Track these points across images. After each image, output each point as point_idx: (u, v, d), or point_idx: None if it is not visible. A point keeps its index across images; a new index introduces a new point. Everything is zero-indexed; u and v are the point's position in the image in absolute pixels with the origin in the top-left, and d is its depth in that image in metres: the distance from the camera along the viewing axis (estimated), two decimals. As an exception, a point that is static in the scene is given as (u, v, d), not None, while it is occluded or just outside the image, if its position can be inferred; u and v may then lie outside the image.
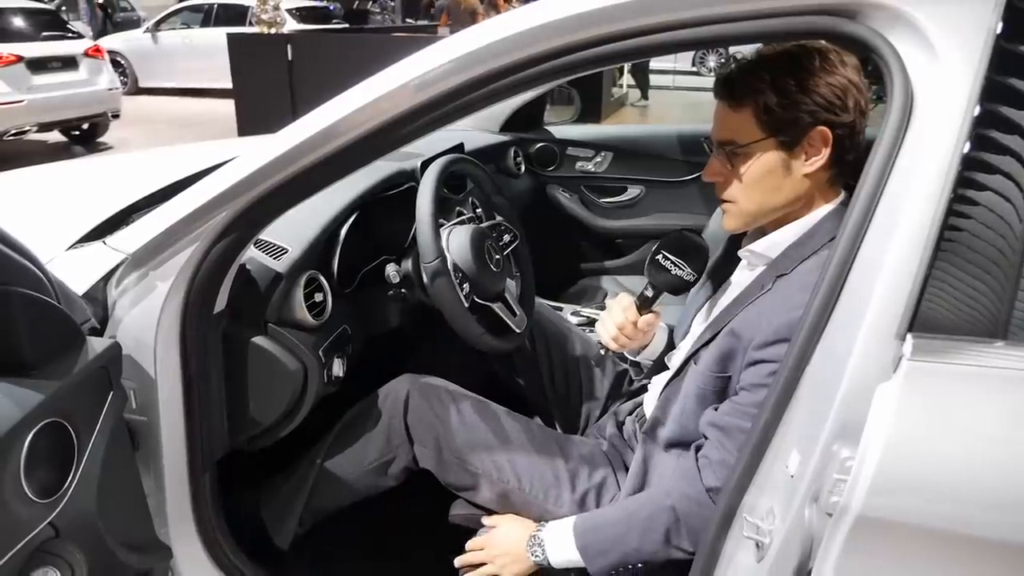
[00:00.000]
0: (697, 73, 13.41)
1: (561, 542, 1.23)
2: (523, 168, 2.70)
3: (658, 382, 1.35)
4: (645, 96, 10.89)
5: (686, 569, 1.08)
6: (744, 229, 1.23)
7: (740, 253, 1.24)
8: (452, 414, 1.41)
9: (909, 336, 0.77)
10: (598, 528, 1.21)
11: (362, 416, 1.48)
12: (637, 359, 1.51)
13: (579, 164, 2.81)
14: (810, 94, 1.06)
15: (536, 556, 1.25)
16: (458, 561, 1.35)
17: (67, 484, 0.90)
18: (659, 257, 1.27)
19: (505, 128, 2.73)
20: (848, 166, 1.12)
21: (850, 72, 1.07)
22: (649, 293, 1.32)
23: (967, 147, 0.76)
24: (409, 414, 1.43)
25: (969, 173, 0.76)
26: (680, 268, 1.26)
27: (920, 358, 0.76)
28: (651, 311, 1.34)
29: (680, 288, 1.29)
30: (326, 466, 1.47)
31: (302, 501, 1.46)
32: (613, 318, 1.34)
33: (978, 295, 0.77)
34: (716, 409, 1.12)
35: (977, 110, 0.77)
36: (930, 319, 0.77)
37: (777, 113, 1.07)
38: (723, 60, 13.16)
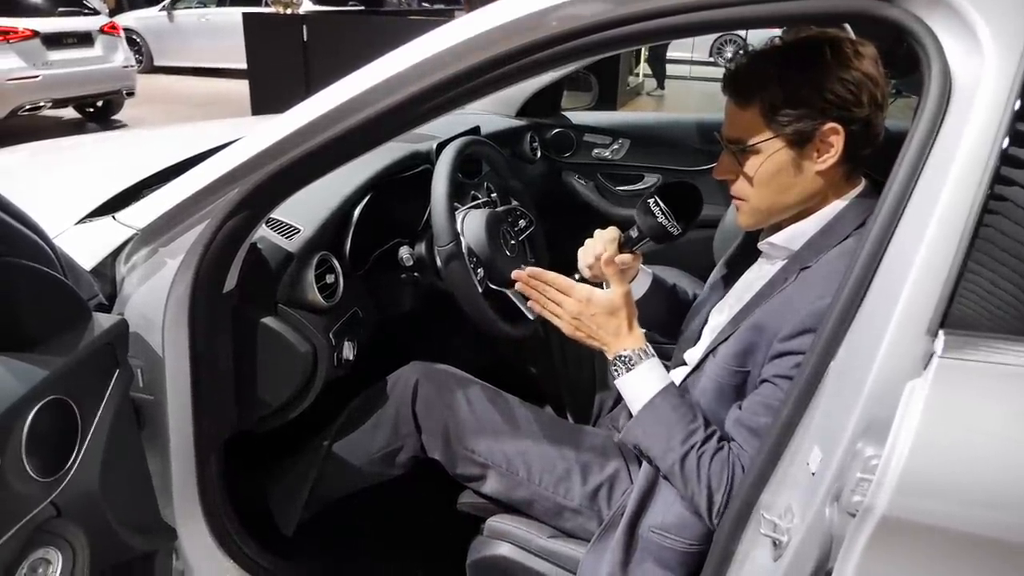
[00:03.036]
0: (714, 64, 13.29)
1: (637, 391, 1.15)
2: (539, 154, 2.67)
3: (675, 376, 1.32)
4: (661, 86, 10.81)
5: (700, 564, 1.06)
6: (758, 227, 1.20)
7: (760, 246, 1.21)
8: (462, 403, 1.39)
9: (941, 332, 0.74)
10: (660, 421, 1.12)
11: (370, 403, 1.46)
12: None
13: (596, 151, 2.77)
14: (820, 91, 1.02)
15: (614, 369, 1.17)
16: (534, 283, 1.20)
17: (70, 463, 0.89)
18: (651, 201, 1.23)
19: (522, 113, 2.70)
20: (863, 160, 1.09)
21: (866, 65, 1.03)
22: (633, 234, 1.28)
23: (1005, 142, 0.73)
24: (418, 403, 1.41)
25: (1007, 169, 0.74)
26: (667, 218, 1.22)
27: (952, 355, 0.73)
28: (631, 252, 1.31)
29: (662, 237, 1.24)
30: (333, 453, 1.45)
31: (307, 487, 1.45)
32: (593, 247, 1.31)
33: (1013, 292, 0.74)
34: (740, 407, 1.09)
35: (1017, 104, 0.73)
36: (963, 315, 0.74)
37: (785, 111, 1.04)
38: (740, 51, 13.06)
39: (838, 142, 1.04)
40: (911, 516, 0.73)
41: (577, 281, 1.25)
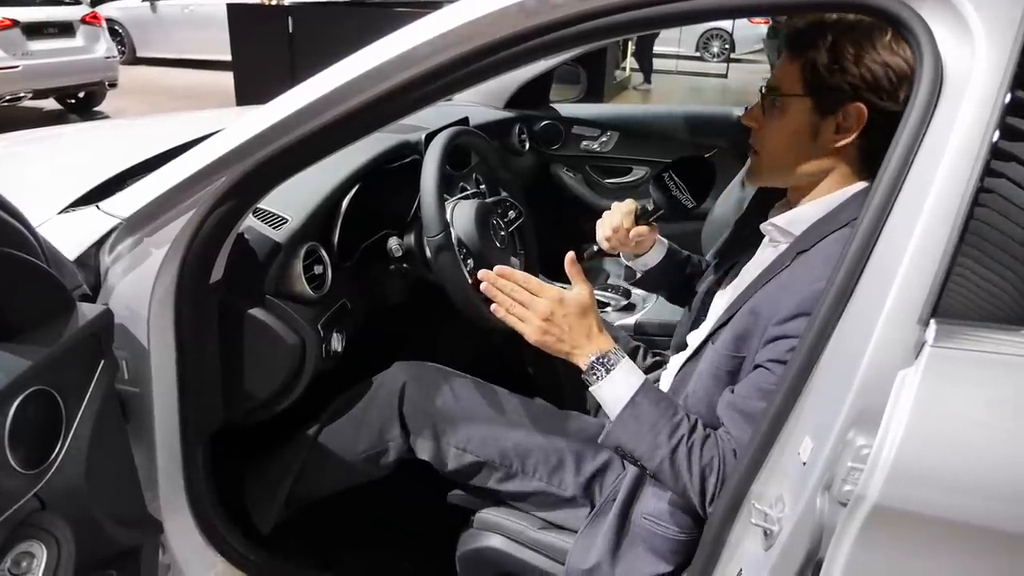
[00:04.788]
0: (701, 58, 13.33)
1: (618, 392, 1.09)
2: (527, 146, 2.66)
3: (676, 361, 1.32)
4: (648, 80, 10.82)
5: (691, 553, 1.06)
6: (763, 185, 1.22)
7: (763, 228, 1.21)
8: (451, 402, 1.37)
9: (932, 322, 0.74)
10: (643, 420, 1.08)
11: (353, 404, 1.43)
12: (629, 264, 1.52)
13: (584, 143, 2.78)
14: (861, 67, 1.01)
15: (592, 374, 1.10)
16: (501, 283, 1.14)
17: (54, 455, 0.87)
18: (665, 175, 1.29)
19: (510, 105, 2.70)
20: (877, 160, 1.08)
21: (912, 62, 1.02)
22: (649, 206, 1.35)
23: (996, 135, 0.74)
24: (405, 405, 1.38)
25: (997, 161, 0.74)
26: (681, 191, 1.27)
27: (943, 344, 0.73)
28: (647, 224, 1.38)
29: (676, 211, 1.30)
30: (315, 453, 1.44)
31: (286, 487, 1.43)
32: (611, 219, 1.38)
33: (1004, 282, 0.75)
34: (732, 391, 1.09)
35: (1008, 97, 0.74)
36: (954, 305, 0.75)
37: (822, 75, 1.04)
38: (727, 46, 13.13)
39: (858, 124, 1.04)
40: (902, 505, 0.73)
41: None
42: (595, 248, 1.40)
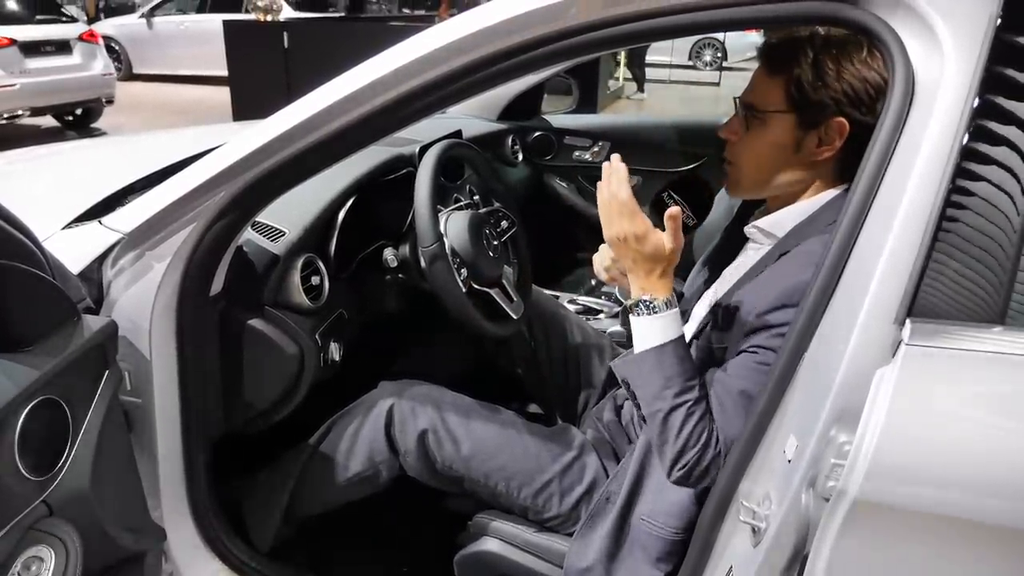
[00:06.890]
0: (693, 67, 13.39)
1: (650, 335, 1.09)
2: (520, 157, 2.69)
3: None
4: (641, 89, 10.88)
5: (683, 553, 1.08)
6: (743, 197, 1.23)
7: (746, 230, 1.23)
8: (436, 421, 1.38)
9: (908, 321, 0.77)
10: (661, 369, 1.08)
11: (343, 430, 1.45)
12: (626, 302, 1.47)
13: (576, 153, 2.80)
14: (842, 83, 1.04)
15: (636, 309, 1.11)
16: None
17: (61, 462, 0.89)
18: (664, 195, 1.24)
19: (503, 116, 2.72)
20: (854, 166, 1.11)
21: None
22: None
23: (966, 138, 0.76)
24: (393, 426, 1.40)
25: (968, 163, 0.76)
26: (682, 210, 1.24)
27: (919, 343, 0.75)
28: None
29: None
30: (308, 478, 1.45)
31: (281, 510, 1.45)
32: (609, 249, 1.31)
33: (977, 281, 0.77)
34: (726, 370, 1.09)
35: (976, 101, 0.76)
36: (929, 304, 0.77)
37: (806, 91, 1.06)
38: (719, 55, 13.21)
39: (840, 136, 1.06)
40: (882, 499, 0.75)
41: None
42: (593, 283, 1.38)
